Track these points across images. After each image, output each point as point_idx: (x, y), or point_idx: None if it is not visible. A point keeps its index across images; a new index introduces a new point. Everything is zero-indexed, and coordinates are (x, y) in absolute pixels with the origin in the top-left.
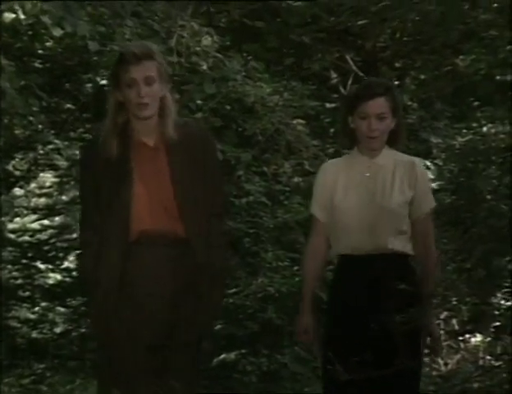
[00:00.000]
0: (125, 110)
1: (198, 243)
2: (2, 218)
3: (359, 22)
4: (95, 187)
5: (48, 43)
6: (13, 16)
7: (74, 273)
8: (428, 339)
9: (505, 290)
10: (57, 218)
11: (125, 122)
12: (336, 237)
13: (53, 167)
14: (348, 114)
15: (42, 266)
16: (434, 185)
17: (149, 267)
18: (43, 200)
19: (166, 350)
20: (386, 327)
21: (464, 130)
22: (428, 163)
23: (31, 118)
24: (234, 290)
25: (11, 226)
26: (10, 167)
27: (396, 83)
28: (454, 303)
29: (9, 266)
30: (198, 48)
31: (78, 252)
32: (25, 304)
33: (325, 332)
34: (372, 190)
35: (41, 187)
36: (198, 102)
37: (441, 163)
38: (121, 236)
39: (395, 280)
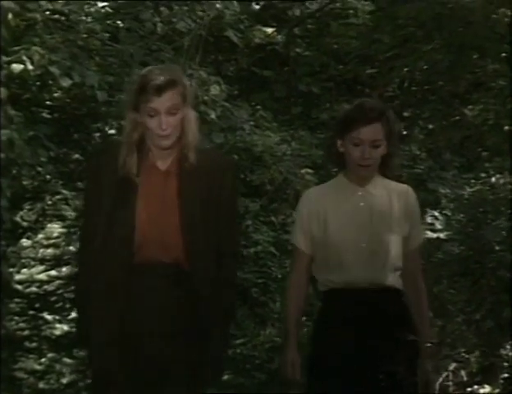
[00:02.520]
0: (141, 127)
1: (201, 280)
2: (10, 269)
3: (368, 71)
4: (101, 200)
5: (56, 94)
6: (21, 66)
7: None
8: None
9: None
10: (64, 269)
11: (140, 139)
12: (327, 270)
13: (61, 218)
14: (337, 137)
15: (49, 317)
16: (442, 235)
17: (146, 302)
18: (50, 251)
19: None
20: (381, 370)
21: (473, 181)
22: (437, 213)
23: (39, 169)
24: (242, 340)
25: (18, 277)
26: (18, 218)
27: (404, 133)
28: (463, 354)
29: (16, 317)
30: (206, 97)
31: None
32: (31, 355)
33: (311, 369)
34: (368, 222)
35: (48, 238)
36: None
37: (449, 214)
38: (120, 264)
39: (391, 318)
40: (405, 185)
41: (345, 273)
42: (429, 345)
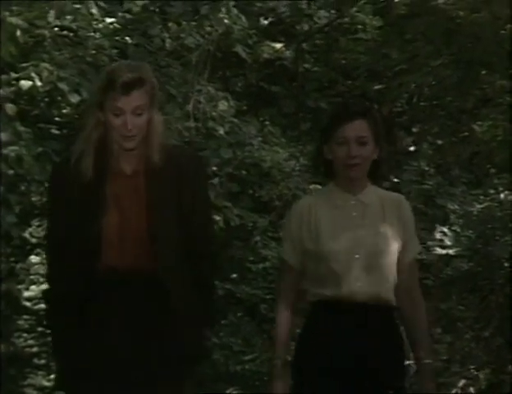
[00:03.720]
0: (103, 127)
1: (172, 283)
2: (18, 286)
3: (376, 86)
4: (66, 211)
5: (64, 110)
6: (30, 83)
7: None
8: None
9: None
10: None
11: (101, 140)
12: (318, 283)
13: None
14: (323, 142)
15: None
16: (451, 251)
17: (116, 308)
18: None
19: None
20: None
21: (482, 197)
22: (445, 230)
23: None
24: (250, 356)
25: (27, 293)
26: (26, 234)
27: (413, 148)
28: (472, 370)
29: (25, 334)
30: (214, 113)
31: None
32: (40, 372)
33: (298, 380)
34: (362, 233)
35: None
36: (215, 167)
37: (458, 230)
38: (87, 272)
39: (384, 334)
40: (398, 194)
41: (338, 287)
42: (428, 362)
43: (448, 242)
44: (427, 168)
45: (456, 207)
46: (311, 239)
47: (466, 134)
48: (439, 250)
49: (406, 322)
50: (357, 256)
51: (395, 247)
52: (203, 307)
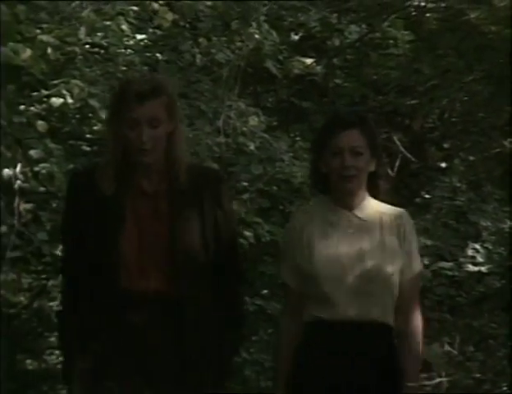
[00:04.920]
0: (123, 140)
1: (194, 307)
2: (50, 303)
3: (407, 102)
4: (81, 225)
5: (95, 127)
6: (61, 100)
7: None
8: None
9: None
10: None
11: (124, 158)
12: (312, 304)
13: None
14: (317, 155)
15: None
16: (483, 268)
17: (137, 332)
18: None
19: None
20: None
21: None
22: (478, 246)
23: None
24: None
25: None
26: (58, 252)
27: (444, 164)
28: (505, 389)
29: (56, 351)
30: (245, 129)
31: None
32: None
33: None
34: (357, 252)
35: None
36: (245, 183)
37: (490, 247)
38: (107, 293)
39: (377, 356)
40: (400, 209)
41: (331, 309)
42: (413, 385)
43: (480, 259)
44: (458, 184)
45: (488, 223)
46: (304, 259)
47: (498, 150)
48: (471, 267)
49: (400, 342)
50: (351, 277)
51: (393, 267)
52: (231, 326)
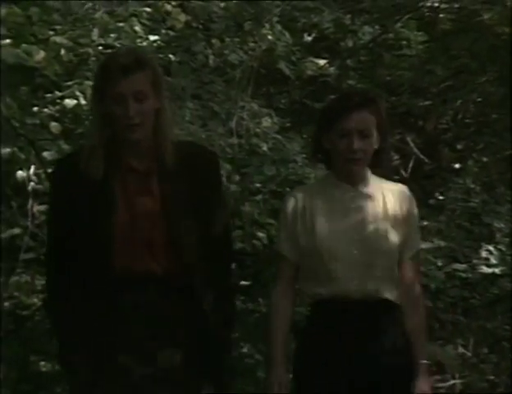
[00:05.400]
0: (109, 119)
1: (188, 285)
2: None
3: (421, 103)
4: (69, 212)
5: None
6: (74, 102)
7: None
8: None
9: None
10: None
11: (111, 138)
12: (314, 281)
13: None
14: (322, 131)
15: None
16: (497, 270)
17: (129, 309)
18: None
19: None
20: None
21: None
22: (491, 248)
23: None
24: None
25: None
26: None
27: (458, 165)
28: None
29: None
30: (258, 130)
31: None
32: None
33: (298, 386)
34: (360, 227)
35: None
36: (258, 184)
37: (504, 248)
38: (101, 275)
39: (384, 334)
40: (402, 185)
41: (334, 285)
42: (424, 363)
43: (494, 261)
44: (472, 186)
45: (502, 225)
46: (306, 234)
47: (511, 151)
48: (484, 269)
49: (406, 321)
50: (355, 252)
51: (395, 242)
52: (222, 308)
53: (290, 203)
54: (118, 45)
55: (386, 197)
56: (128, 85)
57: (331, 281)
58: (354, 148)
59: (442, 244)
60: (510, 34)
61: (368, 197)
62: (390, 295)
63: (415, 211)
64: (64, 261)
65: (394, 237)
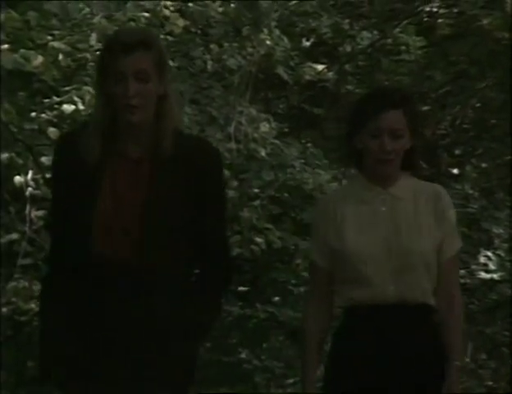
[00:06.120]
0: (111, 100)
1: (157, 280)
2: None
3: (419, 108)
4: (68, 189)
5: None
6: (73, 107)
7: None
8: None
9: None
10: None
11: (112, 119)
12: (346, 286)
13: None
14: (353, 131)
15: None
16: (495, 276)
17: (103, 298)
18: None
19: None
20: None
21: None
22: (490, 254)
23: None
24: (292, 380)
25: None
26: None
27: (456, 171)
28: None
29: None
30: (256, 135)
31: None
32: None
33: (328, 389)
34: (393, 230)
35: None
36: (256, 189)
37: (502, 254)
38: (79, 260)
39: (420, 339)
40: (437, 185)
41: (367, 290)
42: (457, 364)
43: (492, 266)
44: (471, 191)
45: (501, 231)
46: (336, 238)
47: (510, 157)
48: (483, 275)
49: (442, 323)
50: (386, 256)
51: (430, 245)
52: (203, 312)
53: (320, 210)
54: None
55: (419, 198)
56: (129, 63)
57: (366, 286)
58: (385, 149)
59: None
60: (510, 40)
61: (399, 199)
62: (426, 298)
63: (451, 211)
64: (58, 237)
65: (427, 239)
